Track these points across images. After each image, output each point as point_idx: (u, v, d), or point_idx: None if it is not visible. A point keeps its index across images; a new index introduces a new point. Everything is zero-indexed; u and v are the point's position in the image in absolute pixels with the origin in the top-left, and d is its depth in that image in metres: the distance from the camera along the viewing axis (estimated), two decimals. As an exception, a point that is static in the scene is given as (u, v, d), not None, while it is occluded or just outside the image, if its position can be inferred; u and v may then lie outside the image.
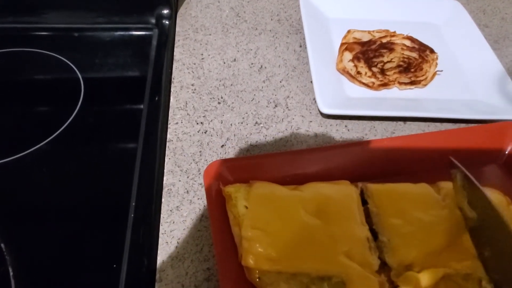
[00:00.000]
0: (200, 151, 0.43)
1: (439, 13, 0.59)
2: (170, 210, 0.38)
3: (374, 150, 0.38)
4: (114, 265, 0.34)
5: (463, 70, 0.52)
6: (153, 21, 0.57)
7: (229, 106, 0.47)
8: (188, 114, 0.46)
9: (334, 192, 0.34)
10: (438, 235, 0.31)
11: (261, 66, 0.52)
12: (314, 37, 0.52)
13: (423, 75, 0.49)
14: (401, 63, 0.50)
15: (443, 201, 0.34)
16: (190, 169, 0.41)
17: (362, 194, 0.35)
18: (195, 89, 0.49)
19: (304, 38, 0.54)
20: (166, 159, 0.42)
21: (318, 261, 0.30)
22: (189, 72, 0.51)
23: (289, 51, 0.54)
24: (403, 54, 0.51)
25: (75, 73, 0.50)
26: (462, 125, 0.46)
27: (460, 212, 0.32)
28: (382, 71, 0.49)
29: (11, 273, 0.34)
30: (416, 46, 0.51)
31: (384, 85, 0.48)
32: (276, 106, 0.47)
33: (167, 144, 0.43)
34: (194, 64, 0.52)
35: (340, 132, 0.45)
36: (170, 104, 0.47)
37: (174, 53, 0.53)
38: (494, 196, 0.34)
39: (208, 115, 0.46)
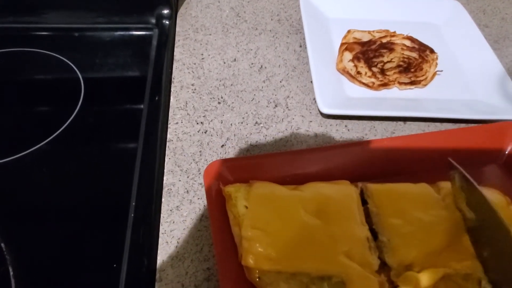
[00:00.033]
0: (200, 151, 0.43)
1: (439, 13, 0.59)
2: (170, 210, 0.38)
3: (374, 150, 0.38)
4: (114, 265, 0.34)
5: (463, 70, 0.52)
6: (153, 21, 0.57)
7: (229, 106, 0.47)
8: (188, 114, 0.46)
9: (334, 192, 0.34)
10: (438, 235, 0.31)
11: (261, 66, 0.52)
12: (314, 37, 0.52)
13: (423, 75, 0.49)
14: (401, 63, 0.50)
15: (443, 201, 0.34)
16: (190, 169, 0.41)
17: (362, 194, 0.35)
18: (195, 89, 0.49)
19: (304, 38, 0.54)
20: (166, 159, 0.42)
21: (318, 261, 0.30)
22: (189, 72, 0.51)
23: (289, 51, 0.54)
24: (403, 54, 0.51)
25: (75, 73, 0.50)
26: (462, 125, 0.46)
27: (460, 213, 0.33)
28: (382, 71, 0.49)
29: (11, 273, 0.34)
30: (416, 46, 0.51)
31: (384, 85, 0.48)
32: (276, 106, 0.47)
33: (167, 144, 0.43)
34: (194, 64, 0.52)
35: (340, 132, 0.45)
36: (170, 104, 0.47)
37: (174, 53, 0.53)
38: (494, 196, 0.34)
39: (208, 115, 0.46)
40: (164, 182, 0.40)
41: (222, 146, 0.43)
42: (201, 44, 0.55)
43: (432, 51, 0.51)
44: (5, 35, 0.55)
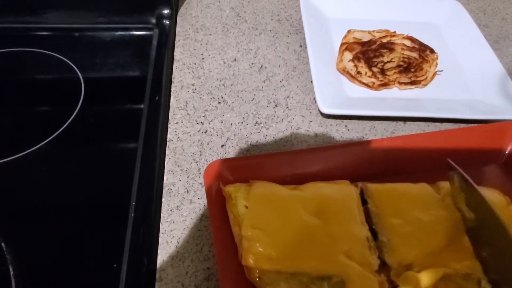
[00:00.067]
0: (200, 151, 0.43)
1: (439, 13, 0.59)
2: (170, 210, 0.38)
3: (374, 150, 0.38)
4: (114, 265, 0.34)
5: (463, 70, 0.52)
6: (154, 21, 0.57)
7: (229, 106, 0.47)
8: (188, 114, 0.46)
9: (334, 192, 0.34)
10: (438, 235, 0.31)
11: (261, 66, 0.52)
12: (314, 37, 0.52)
13: (423, 75, 0.49)
14: (401, 63, 0.50)
15: (443, 201, 0.34)
16: (190, 168, 0.41)
17: (362, 194, 0.35)
18: (195, 89, 0.49)
19: (304, 38, 0.54)
20: (166, 159, 0.42)
21: (318, 261, 0.30)
22: (189, 72, 0.51)
23: (289, 51, 0.55)
24: (403, 54, 0.51)
25: (76, 73, 0.50)
26: (462, 125, 0.46)
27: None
28: (382, 71, 0.49)
29: (11, 272, 0.34)
30: (416, 46, 0.51)
31: (384, 85, 0.48)
32: (276, 106, 0.48)
33: (167, 143, 0.43)
34: (195, 64, 0.52)
35: (340, 132, 0.45)
36: (171, 104, 0.47)
37: (175, 53, 0.53)
38: (493, 196, 0.34)
39: (208, 115, 0.46)
40: (164, 182, 0.40)
41: (222, 146, 0.43)
42: (201, 44, 0.55)
43: (432, 51, 0.51)
44: (5, 35, 0.55)
